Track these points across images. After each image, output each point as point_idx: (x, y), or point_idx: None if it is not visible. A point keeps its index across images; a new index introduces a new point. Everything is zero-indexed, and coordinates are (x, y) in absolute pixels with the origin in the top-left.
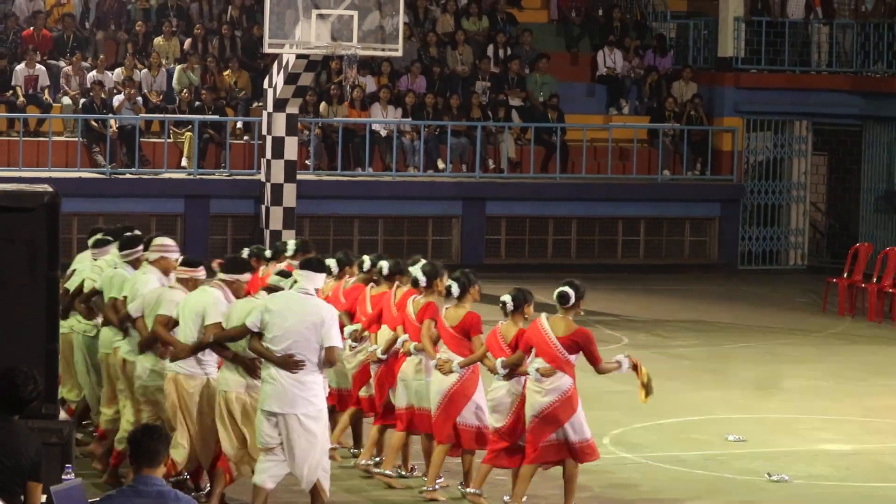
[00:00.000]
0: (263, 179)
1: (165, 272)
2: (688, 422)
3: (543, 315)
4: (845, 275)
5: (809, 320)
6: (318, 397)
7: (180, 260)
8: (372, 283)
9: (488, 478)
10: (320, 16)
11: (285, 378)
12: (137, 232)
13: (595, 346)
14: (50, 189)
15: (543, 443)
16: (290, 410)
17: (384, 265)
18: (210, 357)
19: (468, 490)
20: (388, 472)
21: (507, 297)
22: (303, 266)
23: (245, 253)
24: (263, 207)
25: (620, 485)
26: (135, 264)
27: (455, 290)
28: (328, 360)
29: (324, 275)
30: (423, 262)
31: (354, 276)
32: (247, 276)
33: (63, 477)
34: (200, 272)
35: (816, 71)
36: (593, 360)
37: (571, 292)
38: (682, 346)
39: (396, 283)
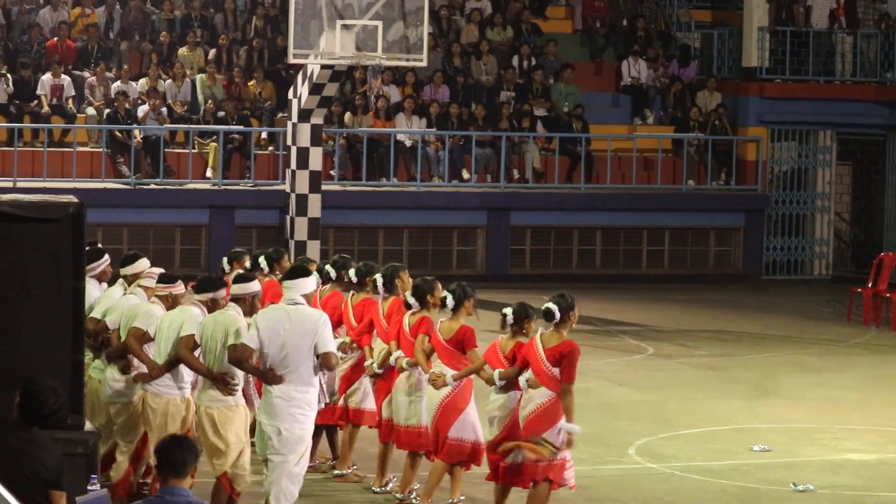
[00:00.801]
0: (288, 190)
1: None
2: (713, 432)
3: (540, 329)
4: (870, 285)
5: (834, 330)
6: (307, 417)
7: (157, 276)
8: (352, 291)
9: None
10: (345, 26)
11: (275, 390)
12: (99, 245)
13: (574, 361)
14: (75, 200)
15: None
16: (275, 423)
17: (353, 272)
18: (187, 375)
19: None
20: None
21: (507, 311)
22: (287, 276)
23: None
24: (288, 218)
25: (646, 495)
26: (100, 277)
27: (450, 302)
28: (325, 366)
29: (310, 278)
30: (384, 267)
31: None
32: (221, 293)
33: (88, 488)
34: (178, 287)
35: (841, 80)
36: (565, 375)
37: (555, 308)
38: (706, 355)
39: (385, 295)
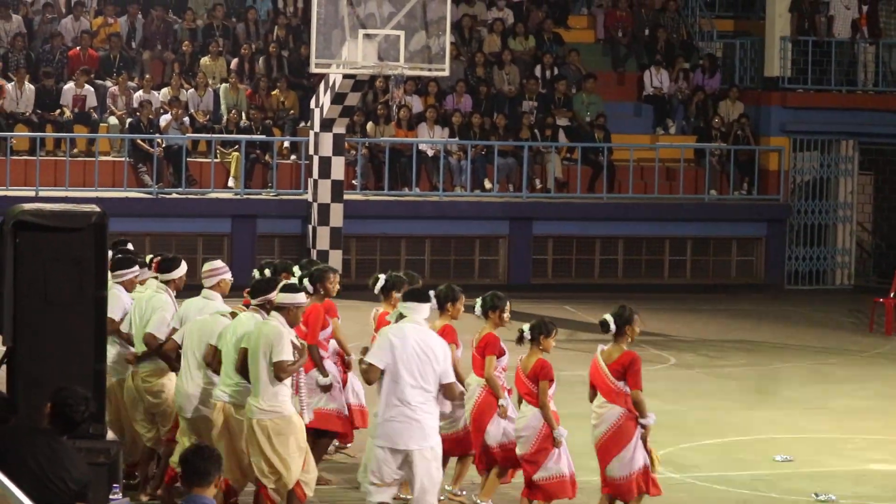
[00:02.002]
0: (310, 199)
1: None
2: (735, 442)
3: (599, 347)
4: (892, 294)
5: (856, 340)
6: (435, 432)
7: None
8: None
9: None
10: (367, 36)
11: (417, 411)
12: (130, 251)
13: (637, 368)
14: (97, 209)
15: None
16: (407, 446)
17: (380, 282)
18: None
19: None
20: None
21: (525, 327)
22: (406, 298)
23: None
24: (310, 227)
25: None
26: (127, 287)
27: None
28: (447, 396)
29: (428, 304)
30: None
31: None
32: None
33: (111, 497)
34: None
35: (863, 90)
36: (632, 383)
37: (610, 320)
38: (728, 365)
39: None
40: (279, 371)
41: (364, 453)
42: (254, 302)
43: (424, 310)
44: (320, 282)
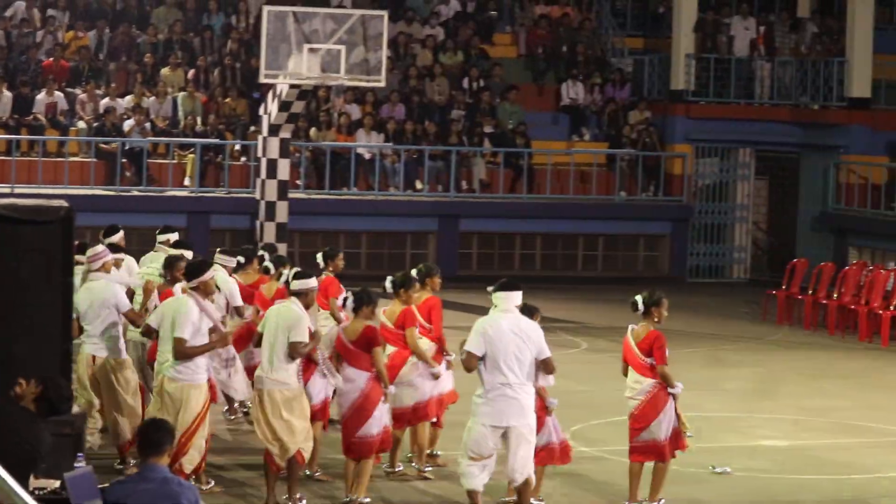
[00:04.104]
0: (258, 197)
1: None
2: None
3: (630, 326)
4: (783, 287)
5: (750, 328)
6: (530, 410)
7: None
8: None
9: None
10: (311, 50)
11: (514, 392)
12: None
13: (662, 345)
14: (66, 204)
15: (633, 442)
16: (508, 423)
17: (414, 273)
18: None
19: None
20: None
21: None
22: (500, 288)
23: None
24: (258, 223)
25: (581, 474)
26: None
27: (349, 304)
28: (547, 370)
29: (518, 293)
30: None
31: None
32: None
33: (75, 465)
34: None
35: (759, 103)
36: (658, 358)
37: (639, 300)
38: None
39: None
40: (293, 350)
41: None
42: (189, 285)
43: (516, 297)
44: (331, 258)
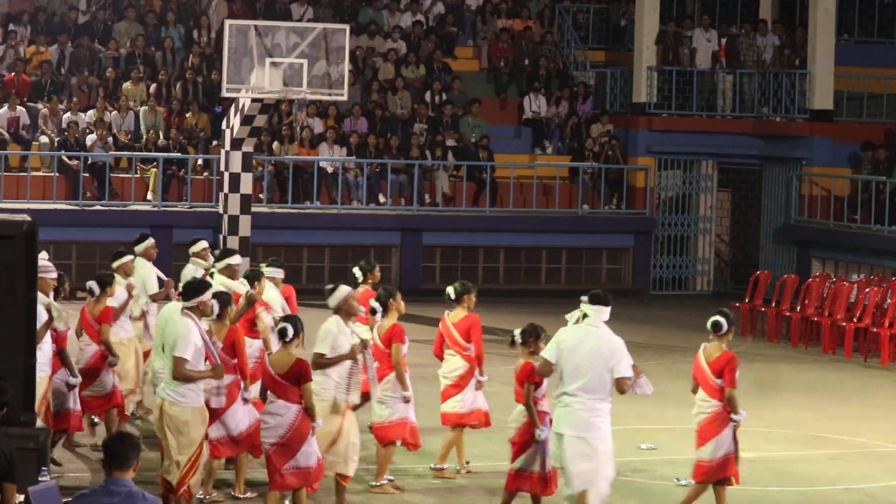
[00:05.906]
0: (221, 211)
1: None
2: None
3: (702, 345)
4: (747, 299)
5: None
6: (605, 423)
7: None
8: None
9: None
10: (273, 64)
11: (576, 404)
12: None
13: (734, 367)
14: (28, 219)
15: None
16: (561, 430)
17: (451, 290)
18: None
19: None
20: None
21: (516, 332)
22: (592, 301)
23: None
24: (221, 237)
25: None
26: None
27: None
28: (619, 389)
29: (609, 308)
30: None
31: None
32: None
33: (39, 479)
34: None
35: (721, 115)
36: (728, 381)
37: (723, 321)
38: None
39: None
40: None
41: None
42: (185, 304)
43: (605, 313)
44: (368, 271)
